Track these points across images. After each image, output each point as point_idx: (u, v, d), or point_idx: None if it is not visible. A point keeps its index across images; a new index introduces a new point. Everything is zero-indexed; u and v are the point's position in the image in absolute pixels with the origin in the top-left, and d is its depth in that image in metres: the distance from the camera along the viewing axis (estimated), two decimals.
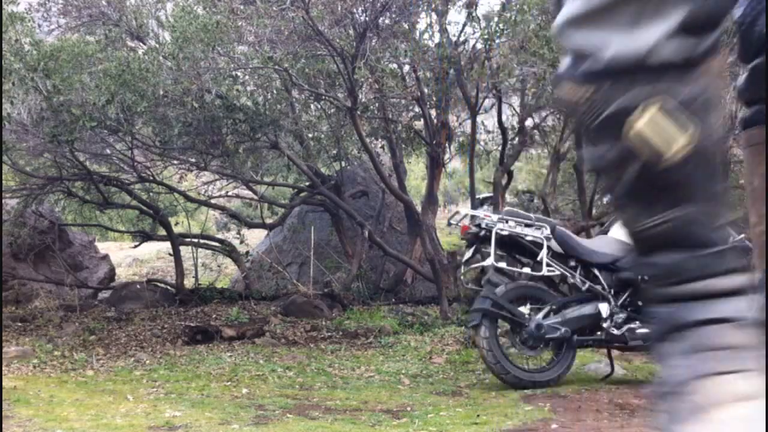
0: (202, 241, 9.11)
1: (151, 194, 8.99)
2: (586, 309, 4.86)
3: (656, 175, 0.79)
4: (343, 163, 9.30)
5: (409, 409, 4.19)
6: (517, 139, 8.49)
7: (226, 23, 6.34)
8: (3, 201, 8.04)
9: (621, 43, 0.78)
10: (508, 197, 8.85)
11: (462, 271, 5.27)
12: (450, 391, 4.78)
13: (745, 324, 0.81)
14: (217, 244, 9.26)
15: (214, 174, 8.83)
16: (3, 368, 5.02)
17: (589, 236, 7.13)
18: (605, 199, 5.92)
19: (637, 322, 4.89)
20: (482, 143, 9.31)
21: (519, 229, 4.81)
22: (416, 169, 14.65)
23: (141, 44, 7.58)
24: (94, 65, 6.30)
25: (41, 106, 6.09)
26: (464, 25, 7.72)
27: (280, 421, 3.80)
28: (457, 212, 5.23)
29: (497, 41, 7.15)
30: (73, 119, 6.25)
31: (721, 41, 0.81)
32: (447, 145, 8.51)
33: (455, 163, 12.03)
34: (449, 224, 5.45)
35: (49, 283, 8.66)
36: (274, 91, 7.58)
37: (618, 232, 5.18)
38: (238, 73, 7.01)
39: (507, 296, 4.77)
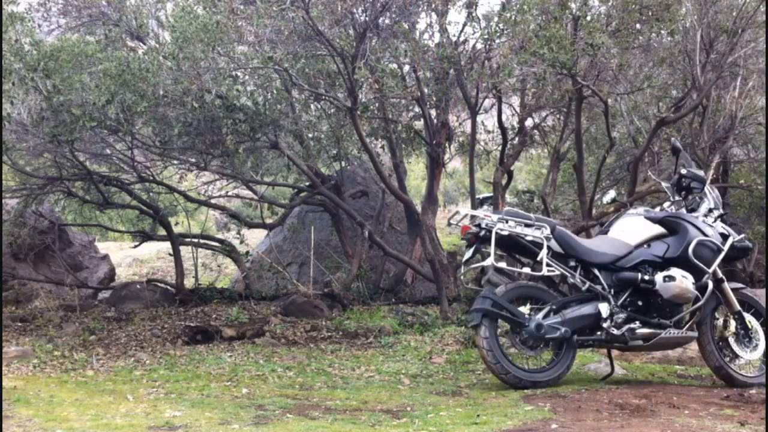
0: (202, 241, 9.10)
1: (151, 194, 8.98)
2: (586, 309, 4.86)
3: None
4: (343, 163, 9.31)
5: (409, 409, 4.19)
6: (517, 139, 8.50)
7: (226, 23, 6.34)
8: (3, 201, 8.04)
9: None
10: (508, 197, 8.85)
11: (462, 271, 5.26)
12: (450, 391, 4.79)
13: None
14: (217, 244, 9.26)
15: (214, 174, 8.82)
16: (3, 368, 5.02)
17: (589, 236, 7.12)
18: (606, 199, 5.89)
19: (637, 322, 4.89)
20: (482, 143, 9.31)
21: (519, 229, 4.81)
22: (416, 169, 14.65)
23: (141, 44, 7.58)
24: (94, 65, 6.30)
25: (41, 106, 6.09)
26: (464, 25, 7.72)
27: (280, 421, 3.80)
28: (457, 212, 5.23)
29: (497, 41, 7.15)
30: (73, 119, 6.24)
31: None
32: (447, 145, 8.52)
33: (455, 163, 12.03)
34: (449, 224, 5.44)
35: (49, 283, 8.67)
36: (274, 91, 7.57)
37: (618, 232, 5.18)
38: (238, 73, 7.00)
39: (507, 296, 4.78)
